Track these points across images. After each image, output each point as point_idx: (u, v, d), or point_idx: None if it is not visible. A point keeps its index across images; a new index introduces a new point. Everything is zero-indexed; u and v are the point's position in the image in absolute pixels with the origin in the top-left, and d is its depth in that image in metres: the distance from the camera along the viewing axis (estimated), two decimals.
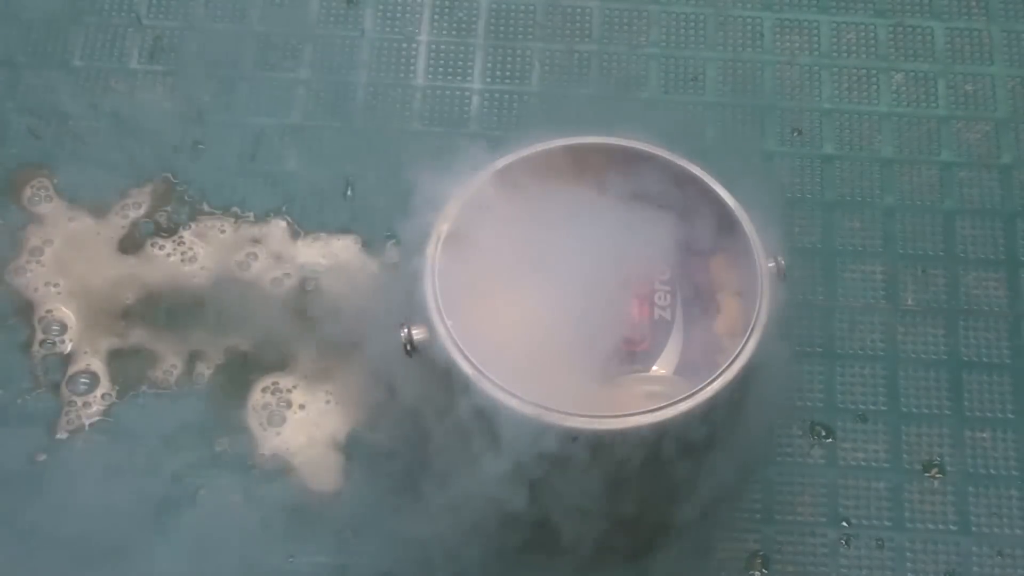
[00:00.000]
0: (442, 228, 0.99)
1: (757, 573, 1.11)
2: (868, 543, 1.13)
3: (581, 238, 1.01)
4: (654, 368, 1.01)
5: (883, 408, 1.18)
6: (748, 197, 1.02)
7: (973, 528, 1.13)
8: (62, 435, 1.14)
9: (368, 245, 1.24)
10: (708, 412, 0.94)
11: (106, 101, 1.31)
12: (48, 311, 1.20)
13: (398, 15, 1.37)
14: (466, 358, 0.93)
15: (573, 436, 0.92)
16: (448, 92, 1.33)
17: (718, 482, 1.07)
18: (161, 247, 1.23)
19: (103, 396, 1.16)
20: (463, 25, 1.36)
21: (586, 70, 1.34)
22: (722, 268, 1.03)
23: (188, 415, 1.15)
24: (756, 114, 1.32)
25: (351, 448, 1.14)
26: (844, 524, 1.13)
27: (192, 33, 1.35)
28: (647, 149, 1.04)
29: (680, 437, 0.94)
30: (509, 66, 1.34)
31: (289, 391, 1.17)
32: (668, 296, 1.02)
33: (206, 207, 1.26)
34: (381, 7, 1.37)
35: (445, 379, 0.95)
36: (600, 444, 0.93)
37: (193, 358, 1.18)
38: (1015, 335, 1.22)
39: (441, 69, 1.34)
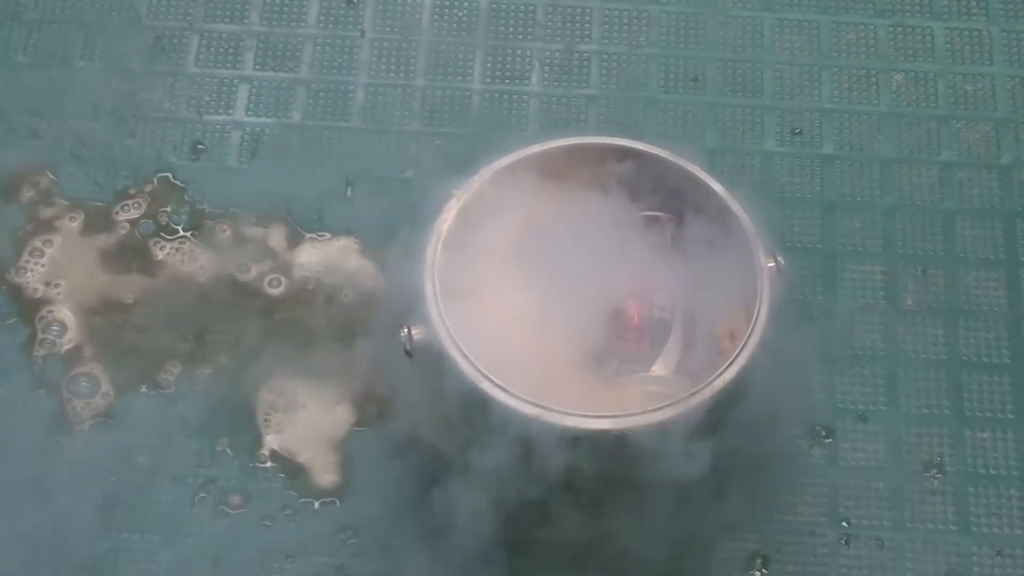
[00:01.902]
0: (442, 228, 0.99)
1: (757, 573, 1.11)
2: (868, 543, 1.13)
3: (581, 238, 1.01)
4: (654, 368, 1.01)
5: (883, 408, 1.18)
6: (748, 197, 1.02)
7: (973, 528, 1.13)
8: (62, 435, 1.14)
9: (368, 245, 1.24)
10: (708, 412, 0.94)
11: (106, 101, 1.31)
12: (48, 311, 1.20)
13: (398, 15, 1.37)
14: (466, 358, 0.93)
15: (574, 436, 0.92)
16: (448, 92, 1.32)
17: (717, 483, 1.07)
18: (161, 247, 1.23)
19: (103, 396, 1.16)
20: (463, 25, 1.36)
21: (586, 70, 1.34)
22: (722, 268, 1.03)
23: (188, 415, 1.15)
24: (756, 114, 1.32)
25: (352, 448, 1.14)
26: (844, 524, 1.13)
27: (192, 33, 1.35)
28: (647, 149, 1.04)
29: (679, 437, 0.94)
30: (509, 66, 1.34)
31: (290, 391, 1.16)
32: (668, 296, 1.02)
33: (206, 207, 1.26)
34: (381, 7, 1.37)
35: (445, 378, 0.95)
36: (599, 444, 0.93)
37: (193, 358, 1.18)
38: (1015, 335, 1.22)
39: (441, 69, 1.34)
